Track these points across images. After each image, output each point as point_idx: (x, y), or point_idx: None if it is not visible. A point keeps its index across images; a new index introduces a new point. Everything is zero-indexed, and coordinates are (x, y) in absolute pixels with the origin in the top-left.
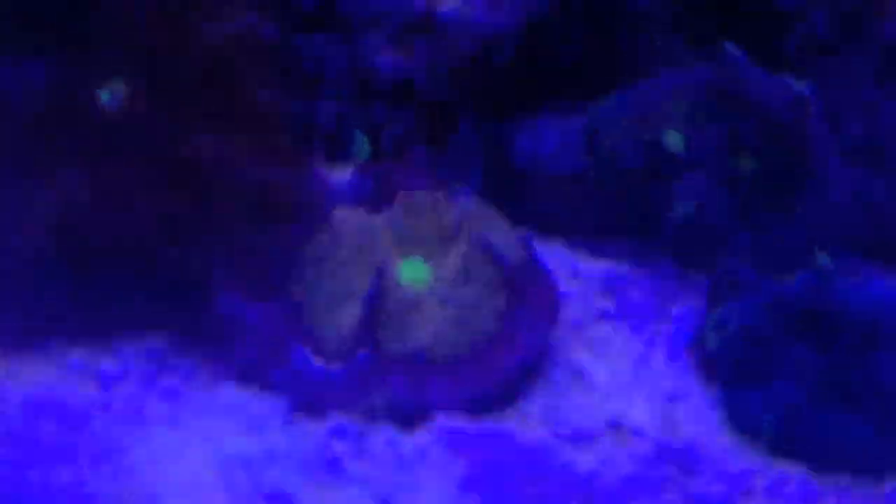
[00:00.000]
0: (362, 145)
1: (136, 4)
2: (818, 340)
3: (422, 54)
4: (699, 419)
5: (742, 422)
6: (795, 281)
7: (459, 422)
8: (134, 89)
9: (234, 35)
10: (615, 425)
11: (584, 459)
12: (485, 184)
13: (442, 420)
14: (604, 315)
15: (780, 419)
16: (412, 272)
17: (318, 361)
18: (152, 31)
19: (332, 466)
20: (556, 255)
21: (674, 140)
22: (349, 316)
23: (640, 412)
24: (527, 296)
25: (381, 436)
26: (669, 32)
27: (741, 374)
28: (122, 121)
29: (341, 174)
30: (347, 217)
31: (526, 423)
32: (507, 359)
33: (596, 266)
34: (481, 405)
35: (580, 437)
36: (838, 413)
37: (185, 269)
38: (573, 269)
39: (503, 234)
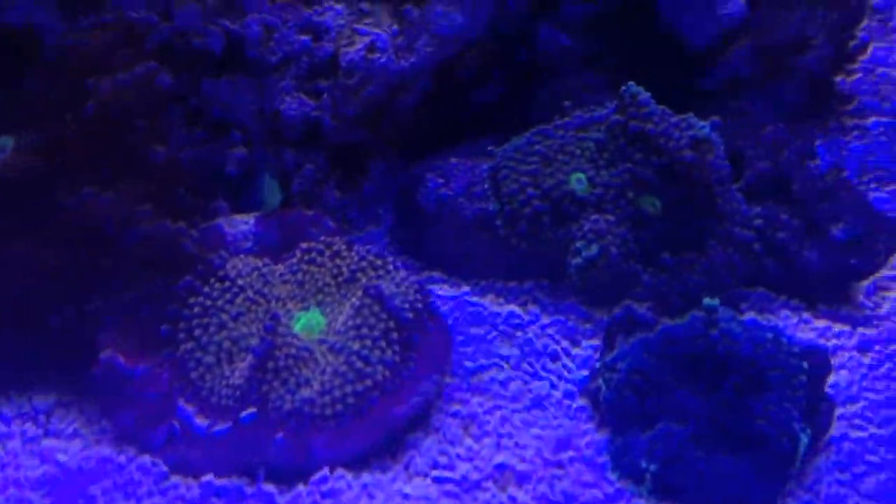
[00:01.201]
0: (273, 191)
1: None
2: (703, 383)
3: (328, 98)
4: (587, 465)
5: (626, 467)
6: (682, 325)
7: (339, 479)
8: (21, 143)
9: (126, 86)
10: (501, 473)
11: None
12: (396, 226)
13: (321, 477)
14: (505, 359)
15: (663, 463)
16: (308, 323)
17: (201, 421)
18: (41, 83)
19: None
20: (461, 300)
21: (578, 182)
22: (238, 372)
23: (528, 459)
24: (419, 345)
25: (260, 498)
26: (585, 73)
27: (628, 418)
28: (7, 176)
29: (246, 222)
30: (244, 268)
31: (409, 475)
32: (394, 411)
33: (502, 310)
34: (365, 459)
35: (464, 488)
36: (720, 455)
37: (75, 326)
38: (477, 314)
39: (399, 283)
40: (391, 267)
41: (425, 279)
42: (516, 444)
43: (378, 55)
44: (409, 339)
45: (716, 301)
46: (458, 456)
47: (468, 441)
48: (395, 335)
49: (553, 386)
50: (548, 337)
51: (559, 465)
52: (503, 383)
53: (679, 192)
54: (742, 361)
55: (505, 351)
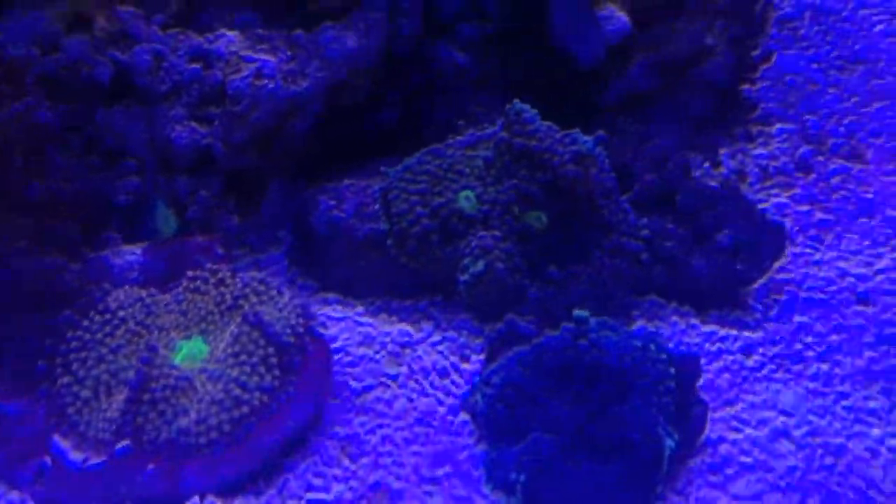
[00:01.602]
0: (166, 219)
1: None
2: (573, 394)
3: (219, 126)
4: (462, 479)
5: (499, 479)
6: (554, 337)
7: None
8: None
9: (3, 123)
10: (375, 492)
11: None
12: (294, 249)
13: None
14: (392, 378)
15: (531, 474)
16: (190, 352)
17: (76, 456)
18: None
19: None
20: (351, 321)
21: (466, 199)
22: (116, 405)
23: (403, 476)
24: (299, 370)
25: None
26: (481, 93)
27: (501, 431)
28: None
29: (133, 253)
30: (127, 299)
31: (283, 498)
32: (270, 437)
33: (392, 329)
34: (240, 486)
35: None
36: (587, 464)
37: None
38: (367, 334)
39: (282, 308)
40: (274, 292)
41: (320, 301)
42: (394, 462)
43: (266, 81)
44: (289, 364)
45: (585, 312)
46: (335, 477)
47: (345, 462)
48: (274, 360)
49: (440, 402)
50: (438, 354)
51: (434, 481)
52: (388, 402)
53: (564, 206)
54: (609, 370)
55: (393, 370)
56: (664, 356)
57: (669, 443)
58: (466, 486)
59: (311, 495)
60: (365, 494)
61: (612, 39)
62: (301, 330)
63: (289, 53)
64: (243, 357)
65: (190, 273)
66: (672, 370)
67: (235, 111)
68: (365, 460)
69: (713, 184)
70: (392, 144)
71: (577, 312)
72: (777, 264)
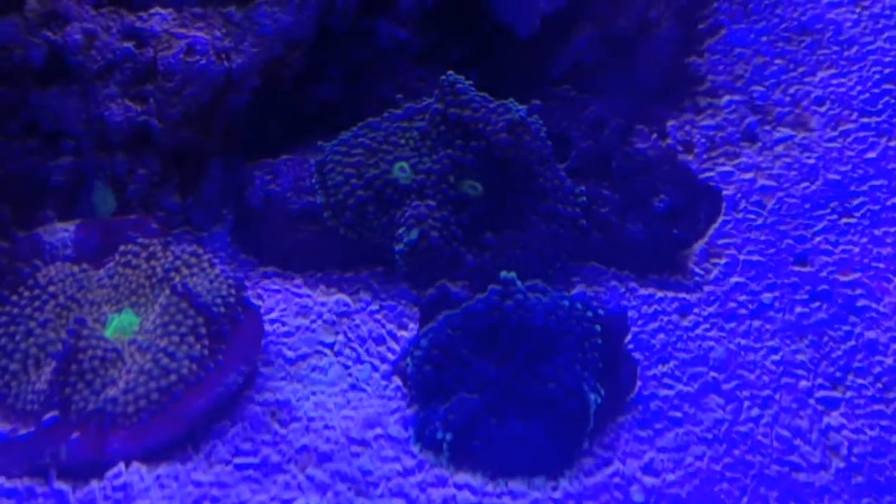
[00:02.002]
0: (104, 198)
1: None
2: (499, 353)
3: (154, 103)
4: (391, 441)
5: (427, 439)
6: (481, 299)
7: (133, 473)
8: None
9: None
10: (302, 455)
11: (262, 491)
12: (236, 226)
13: (116, 472)
14: (328, 346)
15: (457, 432)
16: (120, 325)
17: (2, 427)
18: None
19: None
20: (289, 292)
21: (400, 170)
22: (44, 377)
23: (332, 440)
24: (229, 339)
25: (53, 497)
26: (423, 67)
27: (429, 393)
28: None
29: (66, 230)
30: (58, 274)
31: (210, 463)
32: (197, 404)
33: (329, 300)
34: (166, 452)
35: (264, 472)
36: (512, 421)
37: None
38: (304, 306)
39: (213, 279)
40: (206, 264)
41: (259, 275)
42: (325, 426)
43: (197, 58)
44: (218, 333)
45: (512, 274)
46: (263, 442)
47: (275, 426)
48: (203, 330)
49: (374, 368)
50: (375, 322)
51: (363, 443)
52: (322, 369)
53: (499, 174)
54: (535, 329)
55: (329, 338)
56: (590, 314)
57: (595, 398)
58: (395, 446)
59: (238, 460)
60: (293, 457)
61: (546, 9)
62: (232, 300)
63: (223, 31)
64: (172, 327)
65: (122, 248)
66: (598, 328)
67: (168, 87)
68: (295, 425)
69: (651, 152)
70: (334, 121)
71: (503, 274)
72: (713, 227)
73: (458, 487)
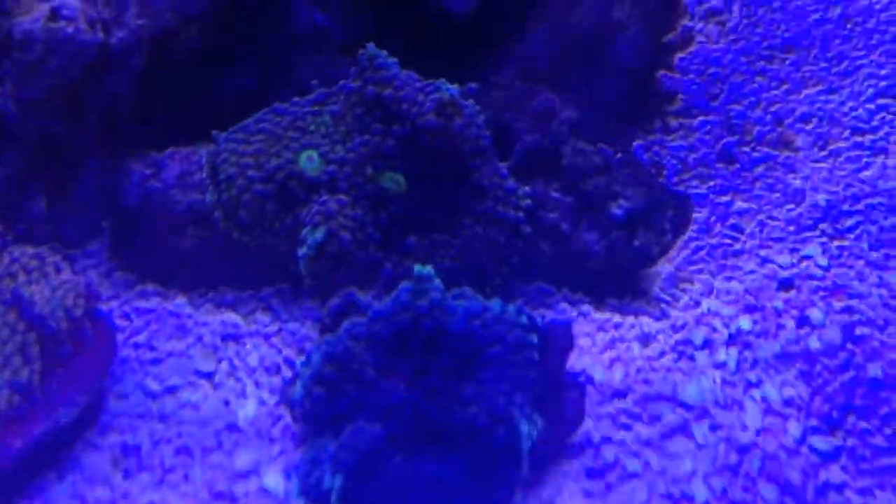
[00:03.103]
0: None
1: None
2: (410, 367)
3: (7, 81)
4: (267, 494)
5: (313, 487)
6: (390, 300)
7: None
8: None
9: None
10: None
11: None
12: (113, 237)
13: None
14: (206, 377)
15: (349, 475)
16: None
17: None
18: None
19: None
20: (163, 311)
21: (308, 160)
22: None
23: (190, 495)
24: (67, 362)
25: None
26: (345, 55)
27: (318, 423)
28: None
29: None
30: None
31: None
32: (11, 446)
33: (214, 320)
34: None
35: None
36: (423, 456)
37: None
38: (181, 327)
39: (56, 287)
40: (50, 269)
41: (136, 294)
42: (184, 478)
43: (62, 24)
44: (54, 353)
45: (429, 268)
46: (97, 500)
47: (117, 478)
48: (34, 349)
49: (262, 403)
50: (270, 347)
51: (231, 500)
52: (195, 405)
53: (426, 164)
54: (454, 336)
55: (208, 367)
56: (524, 320)
57: (529, 430)
58: (272, 502)
59: None
60: None
61: None
62: (79, 313)
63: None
64: None
65: None
66: (535, 338)
67: (24, 60)
68: (144, 477)
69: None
70: (247, 113)
71: (417, 268)
72: (681, 240)
73: None
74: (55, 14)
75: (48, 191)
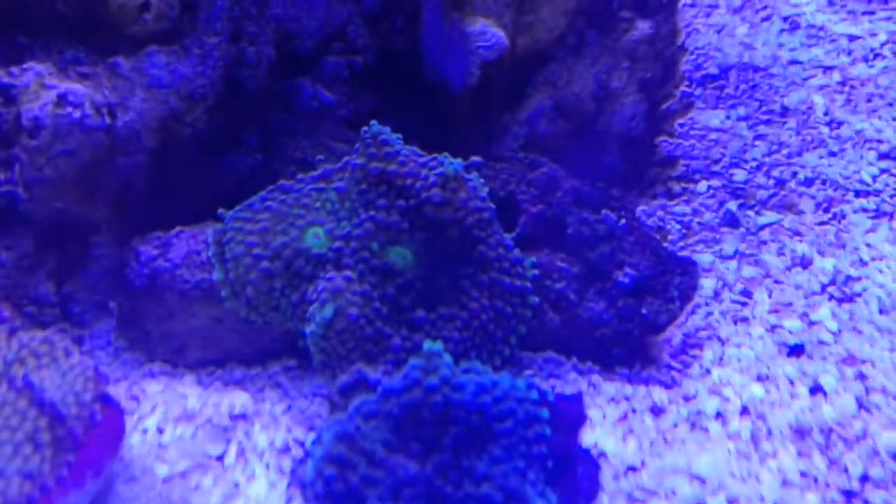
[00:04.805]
0: None
1: None
2: (421, 445)
3: (18, 166)
4: None
5: None
6: (400, 377)
7: None
8: None
9: None
10: None
11: None
12: (121, 318)
13: None
14: (217, 459)
15: None
16: None
17: None
18: None
19: None
20: (174, 393)
21: (314, 237)
22: None
23: None
24: (79, 447)
25: None
26: (351, 132)
27: (331, 502)
28: None
29: None
30: None
31: None
32: None
33: (223, 400)
34: None
35: None
36: None
37: None
38: (190, 408)
39: (66, 372)
40: (60, 353)
41: (144, 374)
42: None
43: (69, 110)
44: (65, 439)
45: (438, 344)
46: None
47: None
48: (45, 436)
49: (272, 485)
50: (279, 426)
51: None
52: (204, 490)
53: (431, 238)
54: (464, 412)
55: (217, 449)
56: (535, 395)
57: None
58: None
59: None
60: None
61: (486, 56)
62: (88, 397)
63: (109, 84)
64: (5, 434)
65: None
66: (546, 412)
67: (33, 146)
68: None
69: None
70: (253, 194)
71: (427, 344)
72: (689, 306)
73: None
74: (62, 100)
75: (56, 272)
